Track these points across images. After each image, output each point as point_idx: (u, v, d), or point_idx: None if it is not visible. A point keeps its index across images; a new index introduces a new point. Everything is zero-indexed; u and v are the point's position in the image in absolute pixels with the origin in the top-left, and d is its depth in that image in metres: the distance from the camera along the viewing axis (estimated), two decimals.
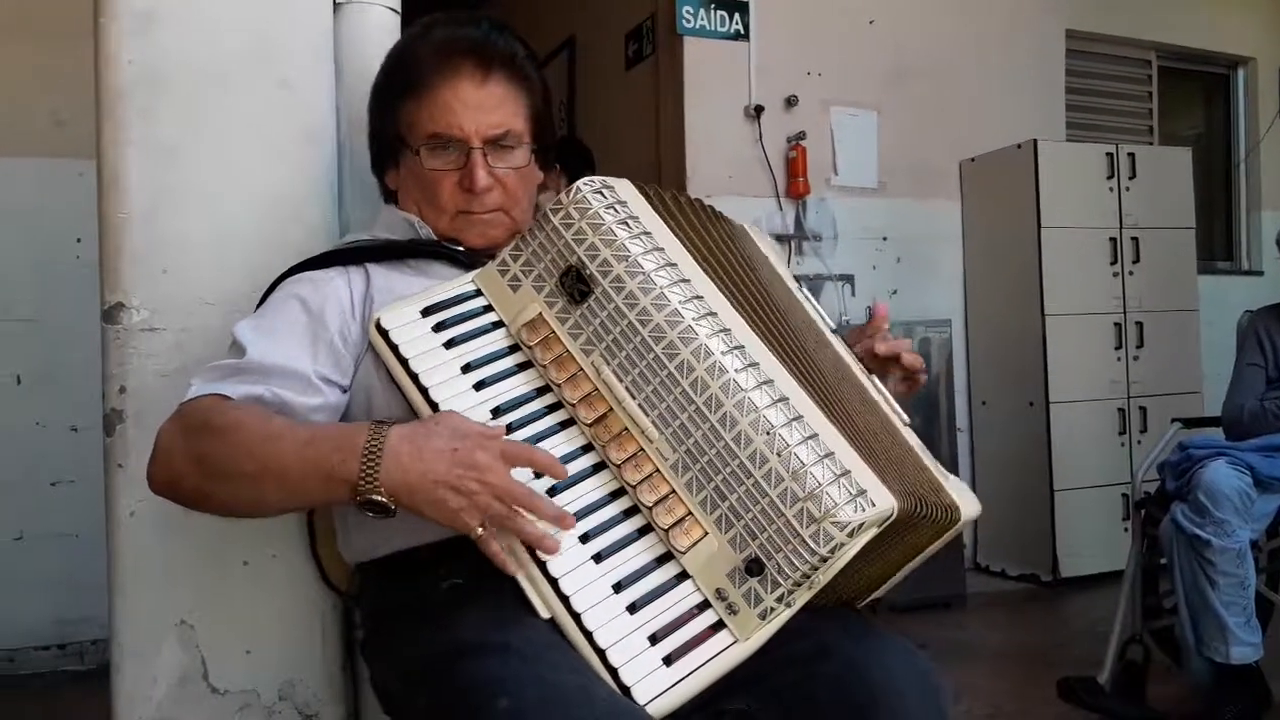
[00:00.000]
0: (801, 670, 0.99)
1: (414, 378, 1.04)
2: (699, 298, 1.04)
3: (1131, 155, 4.21)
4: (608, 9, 4.58)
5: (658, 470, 0.99)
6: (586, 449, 1.02)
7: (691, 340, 1.00)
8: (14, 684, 3.07)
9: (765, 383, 0.99)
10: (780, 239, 3.97)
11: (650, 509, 0.98)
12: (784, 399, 0.99)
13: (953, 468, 3.96)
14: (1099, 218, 4.14)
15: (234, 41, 1.31)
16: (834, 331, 1.22)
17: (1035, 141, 4.06)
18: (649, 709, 0.91)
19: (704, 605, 0.96)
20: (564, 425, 1.04)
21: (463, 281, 1.11)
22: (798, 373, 1.03)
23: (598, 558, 0.97)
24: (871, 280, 4.17)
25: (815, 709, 0.98)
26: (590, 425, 1.02)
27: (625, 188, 1.10)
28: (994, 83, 4.40)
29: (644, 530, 0.99)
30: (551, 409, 1.04)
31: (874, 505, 0.94)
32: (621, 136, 4.37)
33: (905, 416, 1.18)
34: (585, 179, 1.09)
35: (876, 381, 1.20)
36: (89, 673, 3.09)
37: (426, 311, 1.08)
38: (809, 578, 0.94)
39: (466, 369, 1.05)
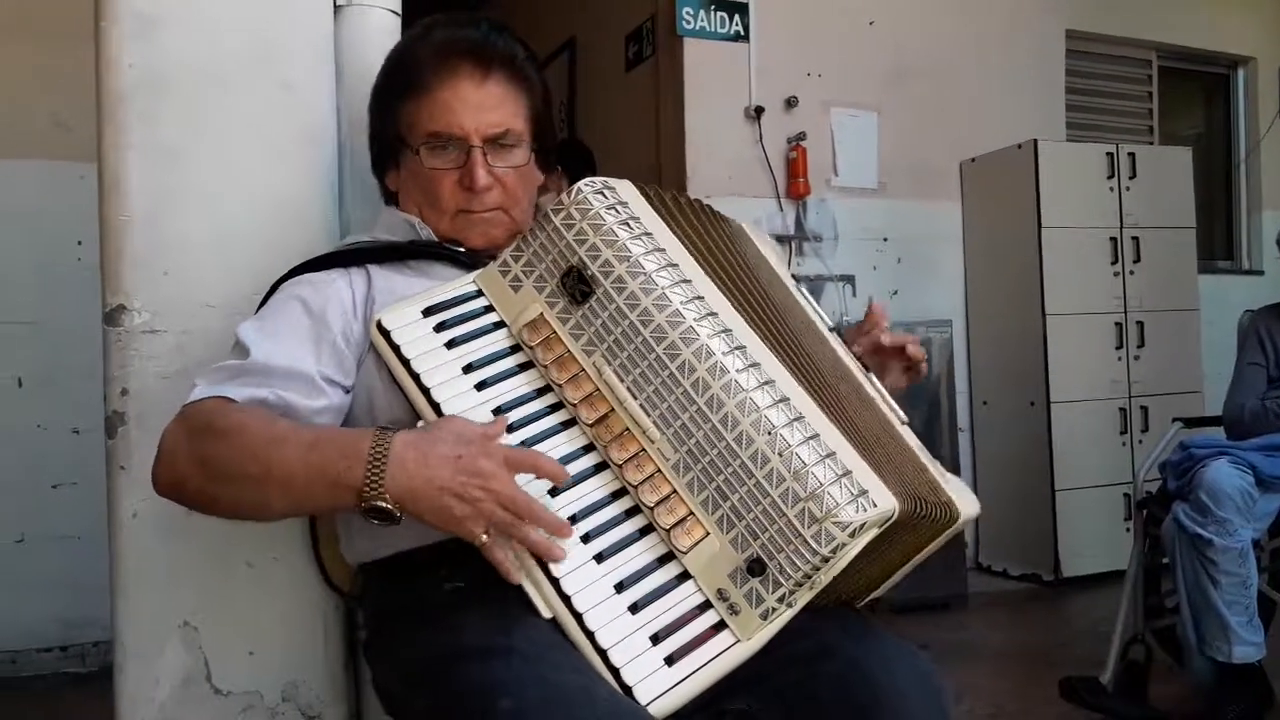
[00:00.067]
0: (803, 670, 0.99)
1: (416, 378, 1.04)
2: (700, 298, 1.04)
3: (1132, 155, 4.21)
4: (608, 10, 4.59)
5: (659, 470, 0.99)
6: (588, 449, 1.03)
7: (693, 341, 1.00)
8: (16, 686, 3.07)
9: (766, 383, 1.00)
10: (781, 240, 3.97)
11: (652, 509, 0.98)
12: (785, 399, 0.99)
13: (954, 468, 3.96)
14: (1099, 218, 4.14)
15: (235, 44, 1.31)
16: (832, 330, 1.22)
17: (1035, 142, 4.06)
18: (651, 709, 0.91)
19: (705, 605, 0.96)
20: (565, 425, 1.04)
21: (464, 282, 1.12)
22: (798, 373, 1.04)
23: (599, 558, 0.97)
24: (872, 281, 4.17)
25: (817, 709, 0.98)
26: (591, 425, 1.02)
27: (626, 188, 1.11)
28: (994, 83, 4.40)
29: (645, 530, 1.00)
30: (553, 409, 1.05)
31: (875, 505, 0.94)
32: (622, 138, 4.37)
33: (903, 415, 1.18)
34: (586, 180, 1.09)
35: (875, 380, 1.20)
36: (91, 674, 3.09)
37: (428, 312, 1.08)
38: (810, 578, 0.94)
39: (468, 369, 1.06)
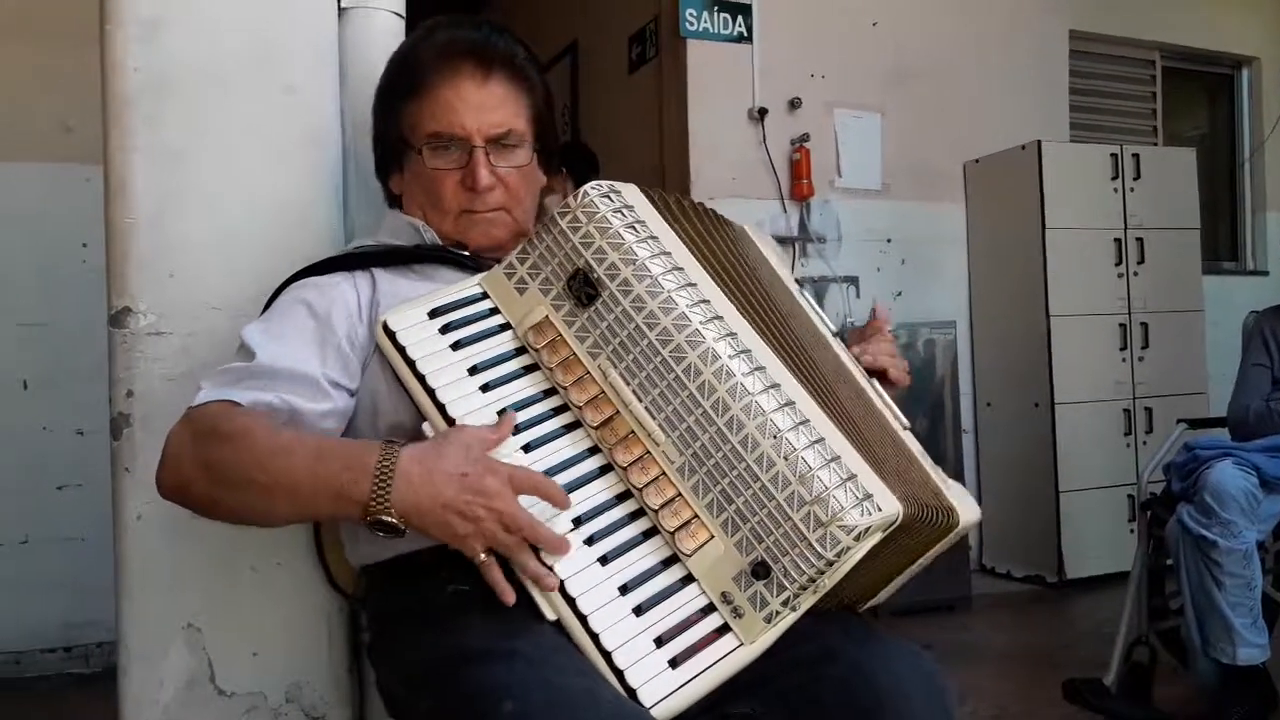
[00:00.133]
0: (807, 674, 0.99)
1: (421, 379, 1.04)
2: (706, 302, 1.04)
3: (1136, 156, 4.21)
4: (610, 13, 4.59)
5: (664, 473, 0.99)
6: (593, 451, 1.03)
7: (699, 344, 1.00)
8: (20, 687, 3.08)
9: (772, 387, 1.00)
10: (784, 241, 3.97)
11: (656, 512, 0.98)
12: (790, 403, 0.99)
13: (958, 469, 4.00)
14: (1103, 218, 4.14)
15: (239, 47, 1.31)
16: (835, 335, 1.22)
17: (1039, 142, 4.05)
18: (655, 712, 0.91)
19: (709, 609, 0.96)
20: (570, 428, 1.04)
21: (469, 284, 1.12)
22: (802, 377, 1.04)
23: (604, 560, 0.98)
24: (876, 282, 4.17)
25: (821, 712, 0.98)
26: (597, 428, 1.02)
27: (632, 192, 1.11)
28: (997, 84, 4.40)
29: (650, 533, 1.00)
30: (558, 411, 1.05)
31: (880, 510, 0.94)
32: (625, 140, 4.38)
33: (905, 420, 1.18)
34: (593, 183, 1.09)
35: (876, 385, 1.20)
36: (95, 675, 3.10)
37: (434, 313, 1.08)
38: (815, 581, 0.94)
39: (473, 371, 1.06)
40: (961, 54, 4.34)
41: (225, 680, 1.27)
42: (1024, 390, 4.10)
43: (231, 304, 1.28)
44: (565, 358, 1.05)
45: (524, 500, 0.97)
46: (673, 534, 0.98)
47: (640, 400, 1.01)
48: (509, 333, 1.09)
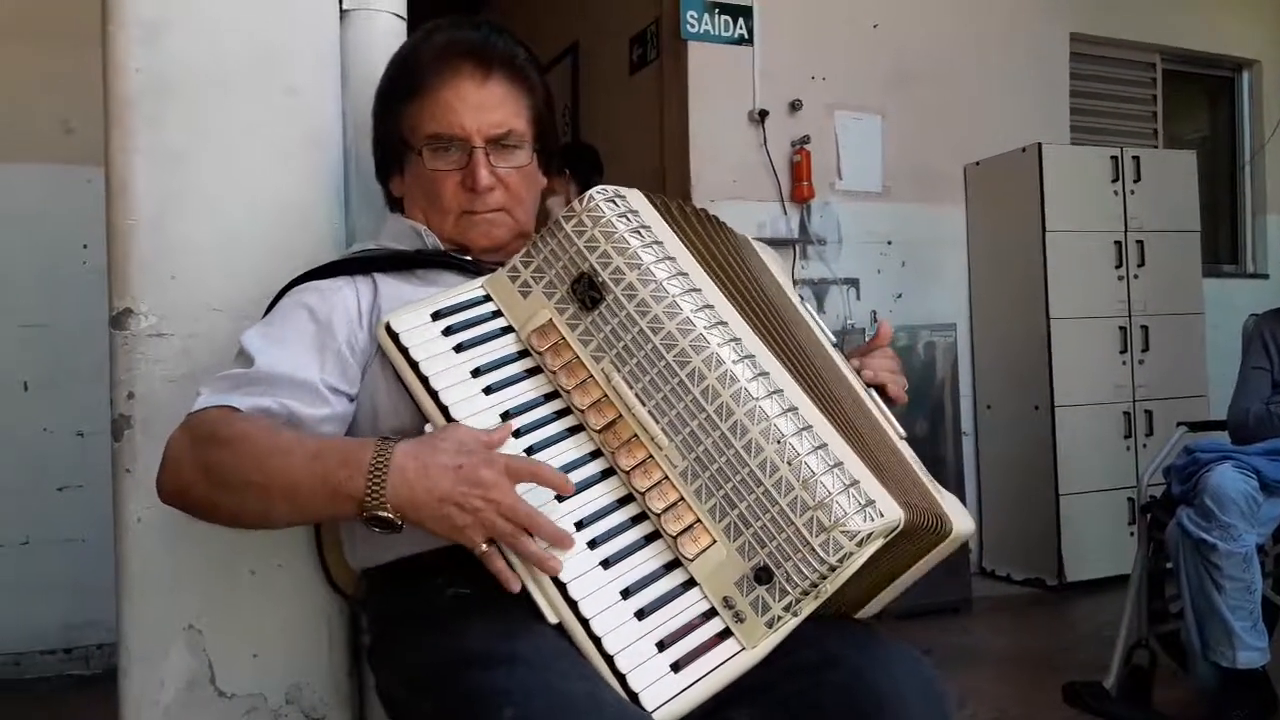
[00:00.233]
0: (807, 679, 0.99)
1: (424, 380, 1.04)
2: (709, 307, 1.04)
3: (1136, 159, 4.21)
4: (611, 14, 4.59)
5: (667, 477, 0.99)
6: (595, 455, 1.03)
7: (703, 349, 1.00)
8: (20, 688, 3.08)
9: (775, 392, 1.00)
10: (784, 243, 3.97)
11: (659, 516, 0.98)
12: (793, 408, 0.99)
13: (958, 472, 4.00)
14: (1104, 221, 4.14)
15: (241, 49, 1.31)
16: (834, 345, 1.22)
17: (1039, 145, 4.06)
18: (657, 716, 0.91)
19: (711, 613, 0.96)
20: (573, 431, 1.04)
21: (472, 287, 1.12)
22: (805, 384, 1.04)
23: (606, 563, 0.97)
24: (876, 284, 4.18)
25: (821, 717, 0.98)
26: (599, 431, 1.02)
27: (636, 197, 1.11)
28: (998, 86, 4.40)
29: (653, 537, 0.99)
30: (560, 414, 1.05)
31: (882, 516, 0.94)
32: (625, 142, 4.38)
33: (901, 430, 1.18)
34: (598, 187, 1.09)
35: (874, 395, 1.20)
36: (95, 677, 3.10)
37: (437, 315, 1.08)
38: (817, 586, 0.94)
39: (476, 373, 1.05)
40: (962, 56, 4.34)
41: (225, 682, 1.27)
42: (1024, 393, 4.10)
43: (232, 305, 1.28)
44: (568, 361, 1.05)
45: (521, 489, 0.97)
46: (675, 538, 0.98)
47: (644, 404, 1.01)
48: (512, 335, 1.09)
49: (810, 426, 0.98)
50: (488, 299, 1.11)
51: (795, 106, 4.05)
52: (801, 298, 1.28)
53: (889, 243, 4.23)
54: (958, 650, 3.31)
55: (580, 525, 0.99)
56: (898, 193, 4.24)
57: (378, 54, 1.39)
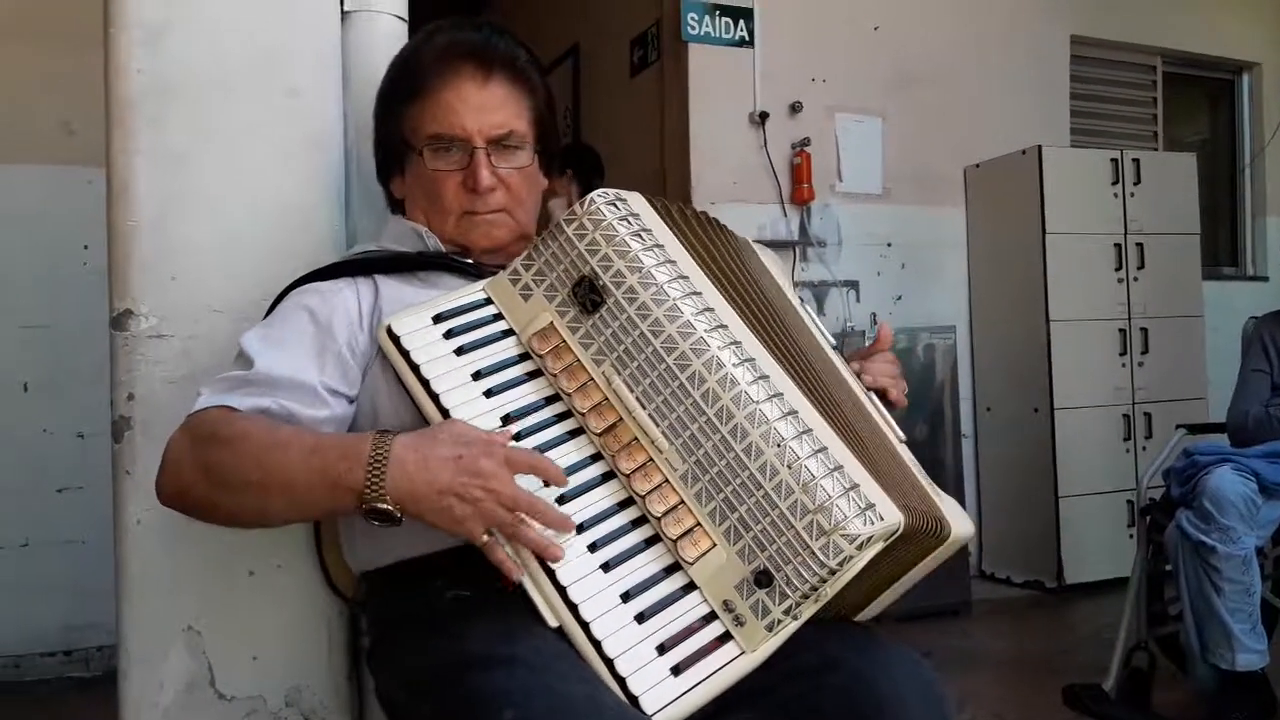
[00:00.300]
0: (807, 682, 0.99)
1: (425, 383, 1.04)
2: (710, 310, 1.04)
3: (1136, 161, 4.22)
4: (612, 16, 4.59)
5: (667, 480, 0.99)
6: (596, 458, 1.03)
7: (704, 352, 1.00)
8: (20, 690, 3.08)
9: (775, 396, 1.00)
10: (784, 245, 3.97)
11: (659, 519, 0.98)
12: (794, 412, 0.99)
13: (957, 474, 4.00)
14: (1104, 223, 4.14)
15: (242, 50, 1.31)
16: (834, 348, 1.22)
17: (1040, 147, 4.06)
18: (656, 719, 0.91)
19: (711, 616, 0.96)
20: (573, 434, 1.04)
21: (473, 290, 1.12)
22: (805, 387, 1.04)
23: (606, 566, 0.97)
24: (876, 286, 4.18)
25: None
26: (600, 435, 1.02)
27: (638, 200, 1.11)
28: (998, 88, 4.41)
29: (652, 540, 0.99)
30: (561, 418, 1.05)
31: (882, 519, 0.94)
32: (626, 143, 4.38)
33: (901, 434, 1.18)
34: (599, 191, 1.09)
35: (874, 398, 1.20)
36: (95, 679, 3.10)
37: (438, 318, 1.08)
38: (817, 590, 0.94)
39: (477, 376, 1.06)
40: (962, 58, 4.35)
41: (225, 684, 1.27)
42: (1024, 395, 4.10)
43: (233, 307, 1.28)
44: (569, 364, 1.05)
45: (521, 482, 0.97)
46: (675, 542, 0.98)
47: (644, 407, 1.01)
48: (513, 338, 1.09)
49: (810, 430, 0.98)
50: (489, 302, 1.11)
51: (796, 108, 4.05)
52: (802, 300, 1.28)
53: (889, 245, 4.23)
54: (957, 653, 3.31)
55: (581, 528, 0.99)
56: (898, 195, 4.24)
57: (379, 56, 1.39)
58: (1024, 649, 3.45)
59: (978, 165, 4.33)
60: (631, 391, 1.02)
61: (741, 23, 3.96)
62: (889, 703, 0.97)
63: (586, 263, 1.06)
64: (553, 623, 0.95)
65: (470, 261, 1.22)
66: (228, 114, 1.30)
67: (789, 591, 0.93)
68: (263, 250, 1.30)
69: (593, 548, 0.98)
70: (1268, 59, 5.16)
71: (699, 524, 0.98)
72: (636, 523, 1.00)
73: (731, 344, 1.02)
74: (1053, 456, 3.98)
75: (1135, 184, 4.19)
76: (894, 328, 1.31)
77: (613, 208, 1.08)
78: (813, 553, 0.93)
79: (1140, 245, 4.18)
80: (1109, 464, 4.06)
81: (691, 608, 0.96)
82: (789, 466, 0.95)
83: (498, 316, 1.10)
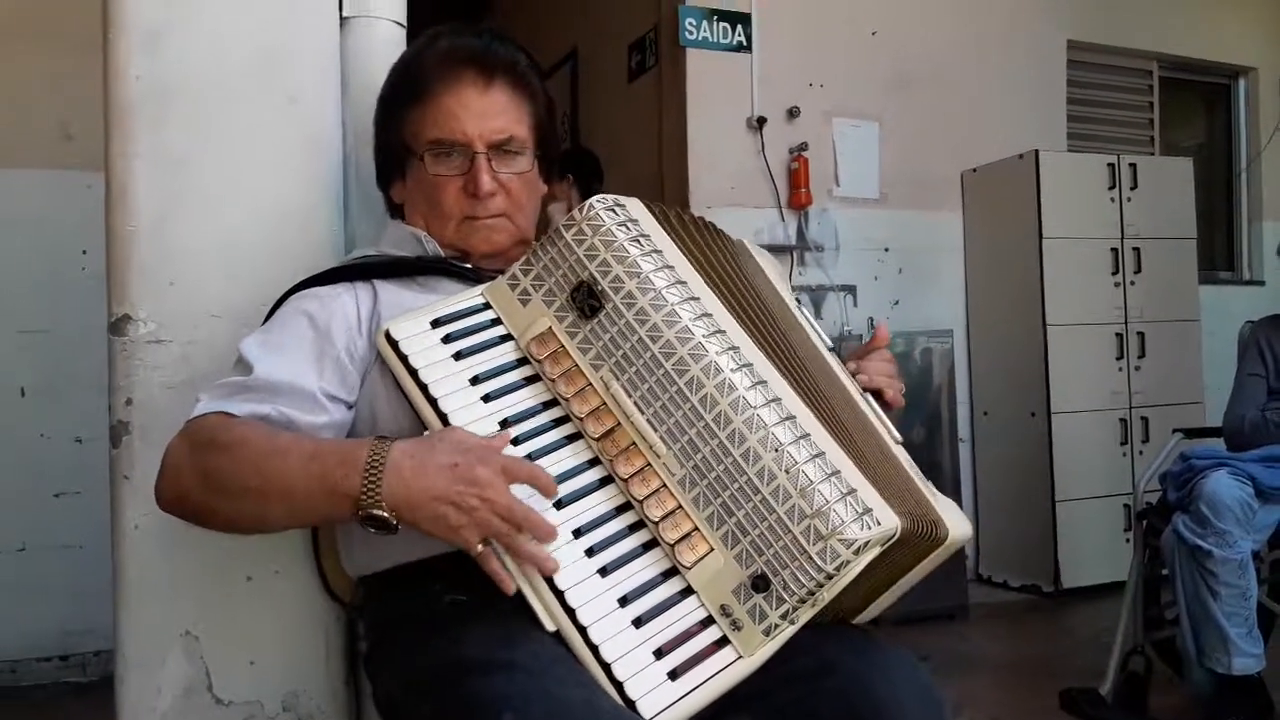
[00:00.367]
0: (804, 686, 1.00)
1: (423, 388, 1.04)
2: (708, 315, 1.05)
3: (1133, 165, 4.22)
4: (610, 21, 4.60)
5: (665, 485, 0.99)
6: (594, 463, 1.03)
7: (701, 357, 1.01)
8: (16, 695, 3.07)
9: (773, 400, 1.00)
10: (782, 250, 3.98)
11: (656, 524, 0.99)
12: (791, 417, 1.00)
13: (954, 478, 4.00)
14: (1100, 228, 4.15)
15: (241, 56, 1.31)
16: (830, 350, 1.23)
17: (1036, 152, 4.07)
18: None
19: (709, 621, 0.96)
20: (571, 439, 1.04)
21: (472, 294, 1.12)
22: (803, 391, 1.04)
23: (603, 571, 0.98)
24: (873, 291, 4.18)
25: None
26: (598, 439, 1.02)
27: (636, 206, 1.12)
28: (995, 93, 4.42)
29: (650, 545, 1.00)
30: (559, 422, 1.05)
31: (879, 524, 0.95)
32: (624, 148, 4.38)
33: (897, 435, 1.18)
34: (598, 196, 1.10)
35: (870, 399, 1.20)
36: (91, 684, 3.09)
37: (436, 323, 1.09)
38: (814, 595, 0.94)
39: (475, 381, 1.06)
40: (960, 63, 4.36)
41: (222, 689, 1.27)
42: (1021, 399, 4.11)
43: (232, 312, 1.28)
44: (567, 369, 1.05)
45: (516, 491, 0.97)
46: (673, 546, 0.98)
47: (642, 412, 1.01)
48: (511, 343, 1.09)
49: (808, 434, 0.99)
50: (487, 307, 1.11)
51: (793, 113, 4.06)
52: (799, 301, 1.28)
53: (886, 249, 4.24)
54: (954, 657, 3.31)
55: (578, 533, 0.99)
56: (895, 199, 4.25)
57: (378, 61, 1.40)
58: (1021, 653, 3.45)
59: (975, 170, 4.34)
60: (629, 396, 1.02)
61: (739, 28, 3.96)
62: (886, 706, 0.97)
63: (585, 268, 1.06)
64: (550, 627, 0.96)
65: (469, 266, 1.22)
66: (227, 119, 1.30)
67: (786, 596, 0.94)
68: (261, 255, 1.31)
69: (590, 552, 0.98)
70: (1264, 64, 5.18)
71: (696, 528, 0.98)
72: (634, 527, 1.00)
73: (729, 349, 1.02)
74: (1050, 460, 3.98)
75: (1132, 188, 4.20)
76: (891, 332, 1.32)
77: (611, 213, 1.08)
78: (810, 557, 0.93)
79: (1137, 250, 4.19)
80: (1106, 468, 4.06)
81: (689, 612, 0.97)
82: (786, 471, 0.96)
83: (496, 321, 1.10)
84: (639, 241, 1.07)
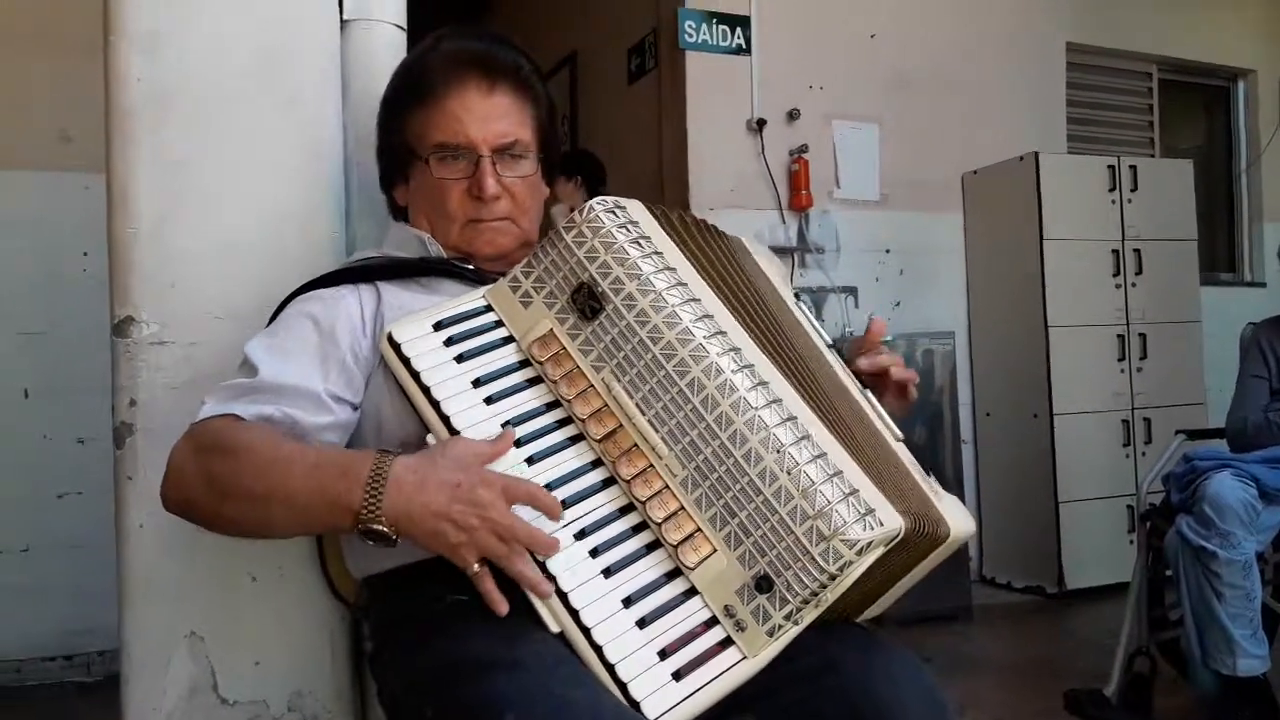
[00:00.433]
0: (808, 686, 1.00)
1: (425, 391, 1.04)
2: (709, 316, 1.05)
3: (1133, 167, 4.23)
4: (609, 24, 4.61)
5: (667, 486, 0.99)
6: (596, 464, 1.03)
7: (702, 358, 1.01)
8: (21, 695, 3.08)
9: (774, 401, 1.00)
10: (783, 252, 3.98)
11: (659, 525, 0.99)
12: (793, 418, 1.00)
13: (957, 479, 4.00)
14: (1101, 230, 4.15)
15: (242, 59, 1.32)
16: (830, 347, 1.22)
17: (1037, 154, 4.07)
18: None
19: (712, 621, 0.96)
20: (573, 440, 1.04)
21: (474, 297, 1.12)
22: (804, 391, 1.04)
23: (607, 572, 0.98)
24: (874, 292, 4.18)
25: None
26: (600, 441, 1.02)
27: (636, 208, 1.12)
28: (995, 95, 4.42)
29: (653, 546, 1.00)
30: (561, 424, 1.05)
31: (882, 524, 0.95)
32: (624, 151, 4.39)
33: (899, 432, 1.18)
34: (598, 198, 1.10)
35: (870, 396, 1.20)
36: (96, 684, 3.10)
37: (438, 326, 1.09)
38: (818, 595, 0.94)
39: (478, 383, 1.06)
40: (959, 65, 4.36)
41: (227, 689, 1.27)
42: (1023, 401, 4.11)
43: (233, 314, 1.28)
44: (569, 371, 1.05)
45: (517, 510, 0.97)
46: (676, 547, 0.98)
47: (644, 414, 1.01)
48: (513, 345, 1.09)
49: (809, 435, 0.99)
50: (489, 309, 1.11)
51: (793, 116, 4.06)
52: (798, 295, 1.28)
53: (887, 251, 4.24)
54: (958, 658, 3.31)
55: (581, 534, 0.99)
56: (896, 201, 4.25)
57: (378, 64, 1.40)
58: (1024, 654, 3.45)
59: (975, 172, 4.34)
60: (631, 398, 1.02)
61: (739, 30, 3.97)
62: (890, 707, 0.97)
63: (585, 270, 1.06)
64: (554, 628, 0.96)
65: (471, 267, 1.23)
66: (227, 121, 1.31)
67: (790, 597, 0.94)
68: (263, 257, 1.31)
69: (594, 553, 0.98)
70: (1263, 66, 5.18)
71: (699, 529, 0.98)
72: (637, 529, 1.00)
73: (731, 350, 1.03)
74: (1052, 462, 3.98)
75: (1132, 190, 4.20)
76: (893, 334, 1.31)
77: (611, 215, 1.09)
78: (813, 558, 0.93)
79: (1138, 251, 4.19)
80: (1108, 469, 4.06)
81: (693, 613, 0.97)
82: (788, 472, 0.96)
83: (498, 324, 1.10)
84: (640, 243, 1.07)
